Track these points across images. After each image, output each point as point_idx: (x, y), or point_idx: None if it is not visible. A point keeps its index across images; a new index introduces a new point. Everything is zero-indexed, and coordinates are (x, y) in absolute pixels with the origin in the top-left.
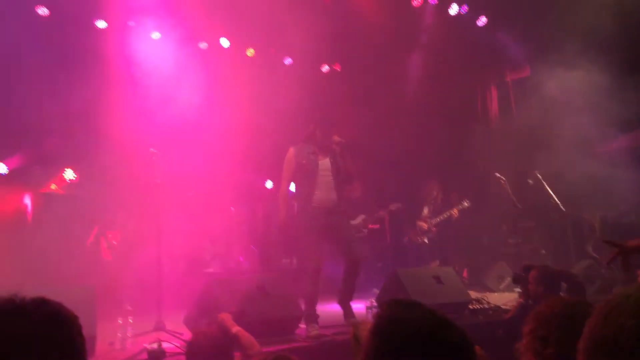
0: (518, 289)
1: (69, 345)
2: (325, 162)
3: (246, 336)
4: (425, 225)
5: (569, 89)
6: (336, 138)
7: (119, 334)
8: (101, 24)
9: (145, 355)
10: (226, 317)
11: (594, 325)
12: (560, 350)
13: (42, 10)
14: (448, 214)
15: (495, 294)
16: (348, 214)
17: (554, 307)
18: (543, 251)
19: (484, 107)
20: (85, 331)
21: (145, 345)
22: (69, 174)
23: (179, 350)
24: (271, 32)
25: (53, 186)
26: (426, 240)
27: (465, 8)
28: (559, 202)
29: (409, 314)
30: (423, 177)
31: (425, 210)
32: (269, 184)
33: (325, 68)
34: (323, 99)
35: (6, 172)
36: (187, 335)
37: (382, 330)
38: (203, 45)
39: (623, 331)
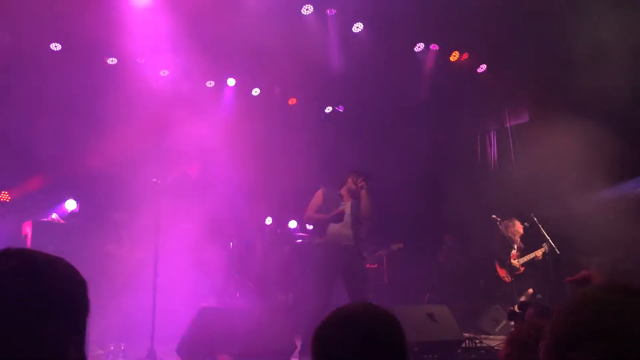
0: (513, 327)
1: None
2: (348, 205)
3: None
4: (518, 265)
5: (567, 137)
6: (361, 181)
7: None
8: (111, 61)
9: None
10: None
11: (554, 324)
12: None
13: (55, 46)
14: (534, 255)
15: (490, 336)
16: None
17: (526, 331)
18: (539, 295)
19: (483, 152)
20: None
21: None
22: (71, 204)
23: None
24: (275, 73)
25: (54, 215)
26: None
27: (466, 55)
28: (554, 246)
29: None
30: (420, 217)
31: (514, 250)
32: (268, 221)
33: (328, 109)
34: (329, 139)
35: (8, 200)
36: None
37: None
38: (210, 83)
39: (581, 325)
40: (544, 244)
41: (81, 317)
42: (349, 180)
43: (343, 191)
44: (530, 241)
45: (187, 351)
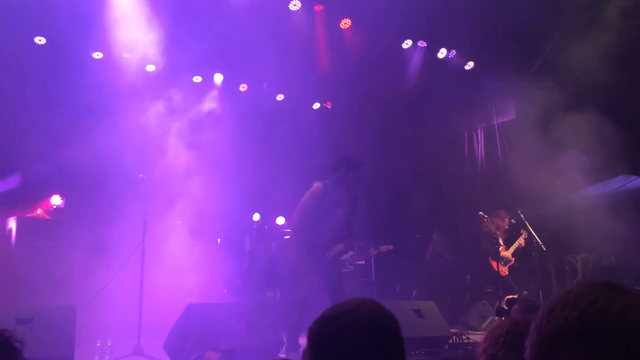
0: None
1: None
2: (341, 211)
3: None
4: (509, 256)
5: (554, 133)
6: (359, 185)
7: (96, 357)
8: (97, 55)
9: None
10: (212, 357)
11: (540, 321)
12: None
13: (39, 39)
14: (517, 243)
15: (477, 332)
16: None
17: (502, 327)
18: (525, 292)
19: (471, 149)
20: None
21: None
22: (56, 200)
23: None
24: (264, 69)
25: (39, 211)
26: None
27: (454, 52)
28: (540, 243)
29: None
30: (410, 216)
31: (501, 241)
32: (256, 217)
33: (316, 105)
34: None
35: None
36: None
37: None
38: (197, 78)
39: (567, 322)
40: (522, 230)
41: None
42: (349, 177)
43: (337, 193)
44: (515, 237)
45: (173, 347)
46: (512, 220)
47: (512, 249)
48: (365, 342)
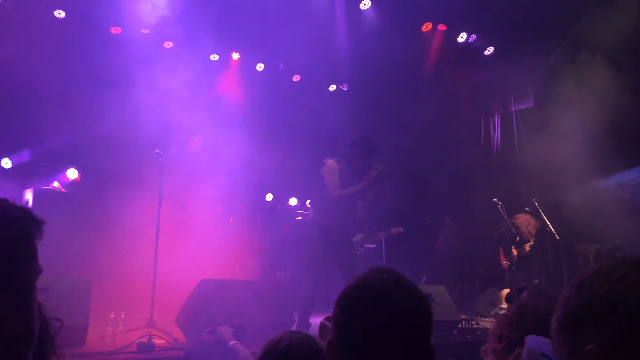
0: None
1: None
2: (352, 187)
3: (242, 350)
4: (515, 253)
5: (572, 122)
6: (376, 166)
7: (110, 328)
8: (115, 30)
9: (134, 348)
10: (225, 331)
11: (568, 296)
12: (509, 344)
13: (59, 13)
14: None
15: (487, 319)
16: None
17: (511, 309)
18: (536, 280)
19: (487, 136)
20: (77, 321)
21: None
22: (72, 173)
23: (169, 346)
24: (281, 49)
25: (55, 184)
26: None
27: (474, 37)
28: (554, 231)
29: (372, 276)
30: (423, 201)
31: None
32: (269, 197)
33: (332, 87)
34: (332, 117)
35: (9, 167)
36: (178, 334)
37: (348, 288)
38: (214, 56)
39: (596, 297)
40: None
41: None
42: (361, 158)
43: (351, 172)
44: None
45: (186, 322)
46: (527, 209)
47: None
48: (398, 321)
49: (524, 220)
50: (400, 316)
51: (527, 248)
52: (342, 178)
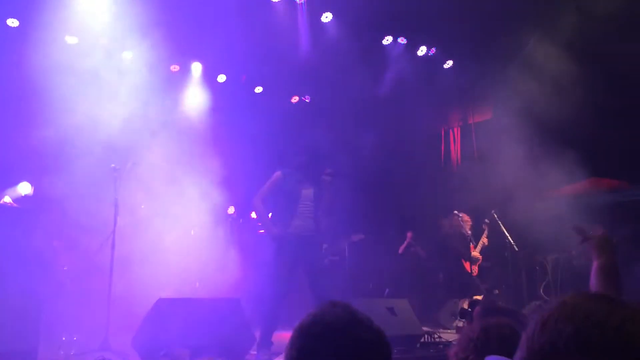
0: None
1: None
2: (308, 192)
3: None
4: (478, 255)
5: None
6: (328, 170)
7: (61, 351)
8: (72, 40)
9: None
10: (181, 353)
11: (532, 334)
12: None
13: (12, 22)
14: (482, 242)
15: (449, 330)
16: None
17: (473, 331)
18: (496, 291)
19: (447, 148)
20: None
21: None
22: (25, 188)
23: None
24: (243, 60)
25: (7, 199)
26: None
27: (433, 50)
28: (512, 243)
29: (328, 311)
30: (384, 212)
31: (472, 242)
32: (231, 210)
33: (294, 99)
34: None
35: None
36: (133, 357)
37: (302, 326)
38: (174, 67)
39: (561, 336)
40: (483, 225)
41: None
42: (309, 165)
43: (302, 175)
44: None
45: (142, 344)
46: (486, 220)
47: (479, 248)
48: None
49: (465, 218)
50: (361, 351)
51: (480, 249)
52: (289, 185)
